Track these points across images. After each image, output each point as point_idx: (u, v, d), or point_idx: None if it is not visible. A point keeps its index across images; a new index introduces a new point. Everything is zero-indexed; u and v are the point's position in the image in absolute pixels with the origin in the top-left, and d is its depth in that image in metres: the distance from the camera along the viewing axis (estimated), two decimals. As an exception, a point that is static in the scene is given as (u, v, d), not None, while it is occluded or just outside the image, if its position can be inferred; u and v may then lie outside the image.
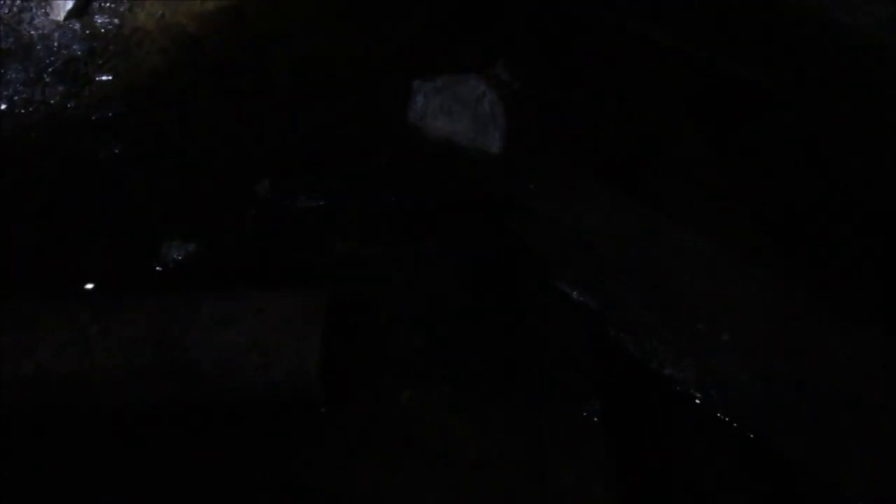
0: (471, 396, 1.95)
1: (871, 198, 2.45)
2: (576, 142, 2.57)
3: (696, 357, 2.04)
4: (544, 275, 2.21)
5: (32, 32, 2.81)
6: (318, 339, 1.86)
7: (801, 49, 2.74)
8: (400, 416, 1.92)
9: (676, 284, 2.15)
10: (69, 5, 2.90)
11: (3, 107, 2.69)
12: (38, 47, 2.80)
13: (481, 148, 2.51)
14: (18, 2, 2.84)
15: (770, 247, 2.31)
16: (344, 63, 2.85)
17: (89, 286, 2.23)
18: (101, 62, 2.82)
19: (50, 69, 2.77)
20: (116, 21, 2.93)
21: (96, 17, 2.93)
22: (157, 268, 2.26)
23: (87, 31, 2.88)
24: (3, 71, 2.78)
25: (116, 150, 2.58)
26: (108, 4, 2.94)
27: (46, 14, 2.90)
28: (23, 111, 2.69)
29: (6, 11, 2.92)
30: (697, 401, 2.00)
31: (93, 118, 2.68)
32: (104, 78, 2.79)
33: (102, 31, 2.90)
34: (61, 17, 2.92)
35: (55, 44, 2.81)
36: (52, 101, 2.72)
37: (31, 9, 2.85)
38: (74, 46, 2.83)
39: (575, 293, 2.16)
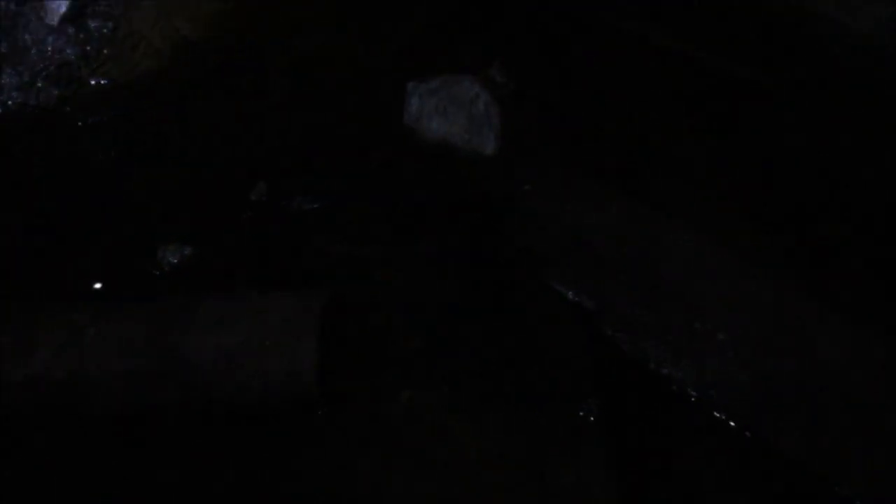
0: (470, 396, 1.94)
1: (871, 198, 2.45)
2: (575, 141, 2.57)
3: (694, 356, 2.03)
4: (543, 275, 2.20)
5: (26, 37, 2.79)
6: (316, 339, 1.86)
7: (801, 49, 2.74)
8: (399, 416, 1.92)
9: (675, 284, 2.14)
10: (63, 9, 2.89)
11: (-2, 111, 2.69)
12: (33, 52, 2.79)
13: (476, 149, 2.50)
14: (12, 6, 2.83)
15: (770, 247, 2.31)
16: (343, 63, 2.84)
17: (88, 287, 2.23)
18: (95, 66, 2.81)
19: (44, 73, 2.76)
20: (111, 24, 2.91)
21: (90, 21, 2.90)
22: (155, 270, 2.26)
23: (82, 35, 2.86)
24: (-3, 76, 2.77)
25: (113, 153, 2.58)
26: (102, 8, 2.92)
27: (40, 19, 2.87)
28: (18, 115, 2.68)
29: (-1, 16, 2.92)
30: (696, 400, 2.00)
31: (89, 121, 2.67)
32: (99, 81, 2.79)
33: (97, 34, 2.88)
34: (55, 21, 2.89)
35: (49, 48, 2.80)
36: (47, 106, 2.71)
37: (24, 13, 2.83)
38: (68, 50, 2.82)
39: (573, 293, 2.16)
